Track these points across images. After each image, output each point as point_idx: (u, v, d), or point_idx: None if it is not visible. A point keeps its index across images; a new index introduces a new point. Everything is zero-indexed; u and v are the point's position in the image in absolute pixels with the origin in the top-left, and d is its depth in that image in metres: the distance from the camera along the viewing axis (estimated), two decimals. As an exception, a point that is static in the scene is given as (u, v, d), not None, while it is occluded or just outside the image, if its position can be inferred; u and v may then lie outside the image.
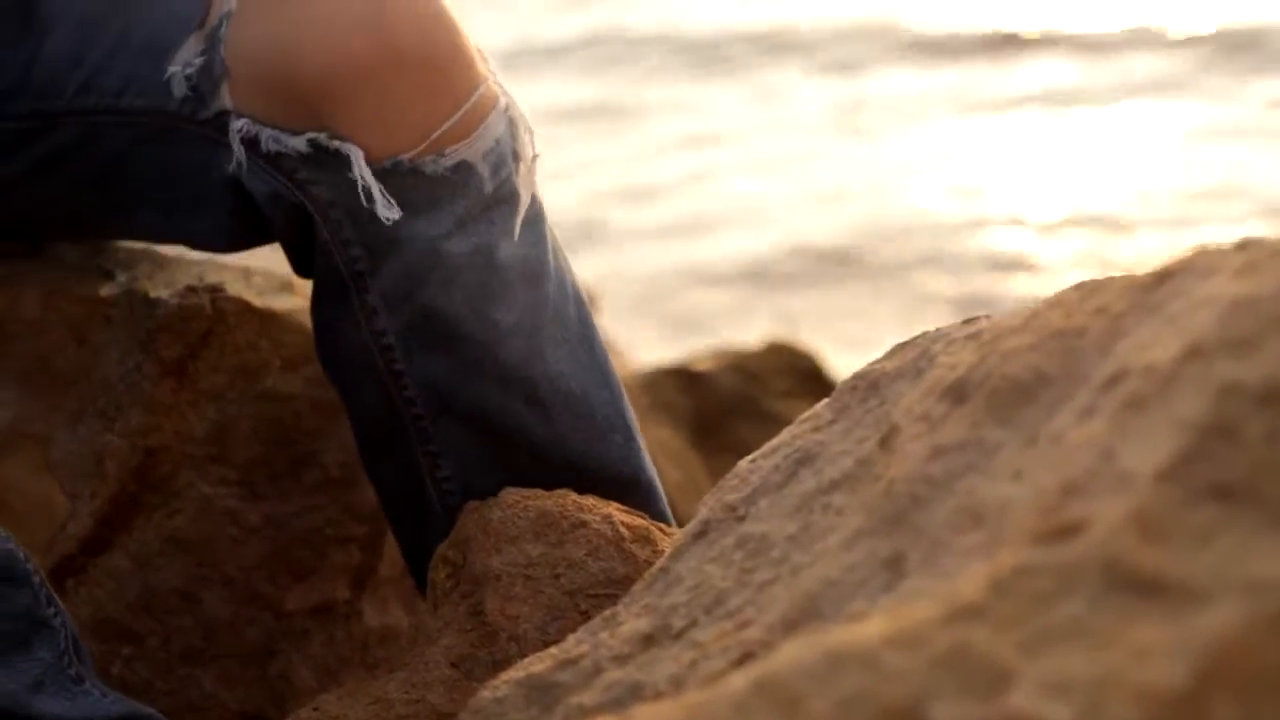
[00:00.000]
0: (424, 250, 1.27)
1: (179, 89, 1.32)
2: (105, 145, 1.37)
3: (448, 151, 1.27)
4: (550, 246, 1.35)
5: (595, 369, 1.36)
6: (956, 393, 0.86)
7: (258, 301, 1.50)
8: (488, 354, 1.30)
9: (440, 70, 1.27)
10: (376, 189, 1.26)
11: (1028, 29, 8.21)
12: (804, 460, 0.99)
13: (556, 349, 1.33)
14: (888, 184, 6.06)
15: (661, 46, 8.80)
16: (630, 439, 1.37)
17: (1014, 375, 0.83)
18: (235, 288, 1.50)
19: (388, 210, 1.26)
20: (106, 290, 1.48)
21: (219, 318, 1.48)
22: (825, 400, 1.04)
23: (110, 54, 1.35)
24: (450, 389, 1.31)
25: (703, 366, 3.48)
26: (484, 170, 1.28)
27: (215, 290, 1.49)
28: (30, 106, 1.39)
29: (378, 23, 1.26)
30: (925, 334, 0.99)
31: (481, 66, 1.31)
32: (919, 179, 6.20)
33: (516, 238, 1.30)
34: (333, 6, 1.27)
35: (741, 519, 0.99)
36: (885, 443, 0.91)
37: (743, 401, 3.38)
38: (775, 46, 8.51)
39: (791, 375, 3.62)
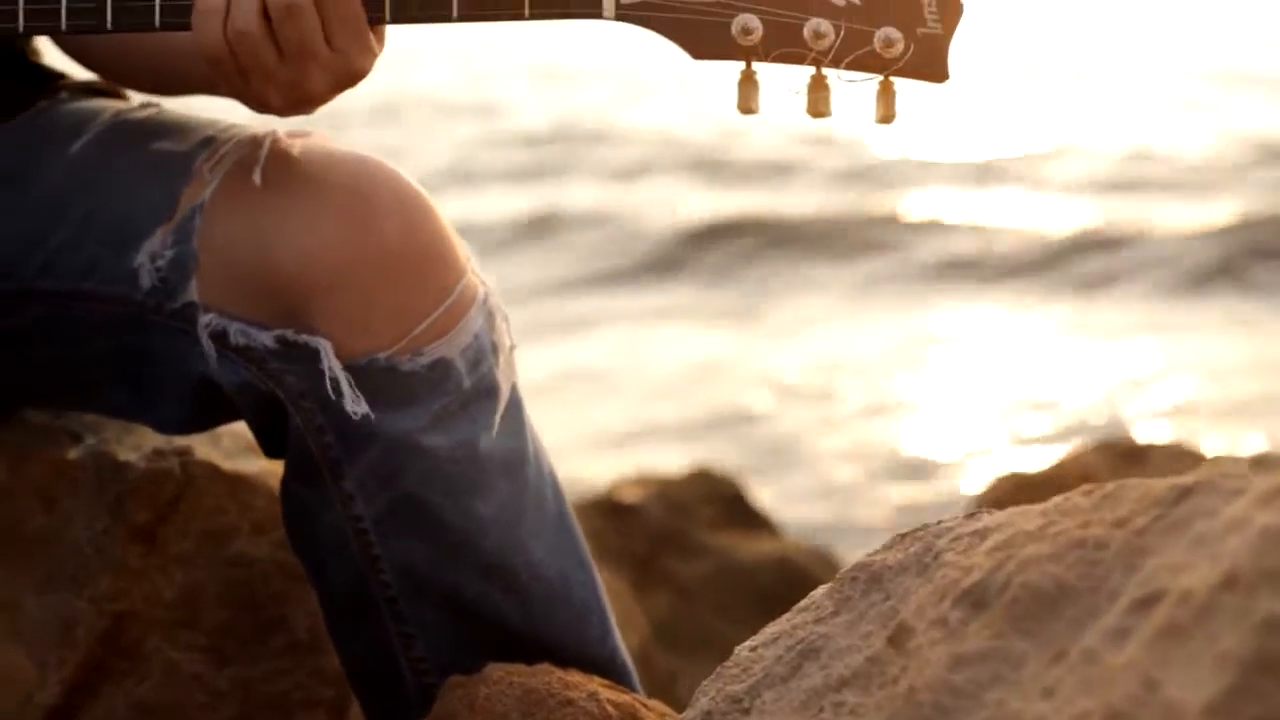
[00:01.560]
0: (401, 444, 1.27)
1: (147, 279, 1.30)
2: (67, 327, 1.35)
3: (426, 349, 1.27)
4: (529, 433, 1.35)
5: (572, 552, 1.36)
6: (974, 599, 0.88)
7: (226, 465, 1.50)
8: (468, 543, 1.30)
9: (421, 267, 1.27)
10: (345, 382, 1.25)
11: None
12: (807, 653, 1.00)
13: (535, 537, 1.33)
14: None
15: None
16: (604, 619, 1.37)
17: (1035, 585, 0.84)
18: (204, 450, 1.50)
19: (355, 405, 1.25)
20: (74, 454, 1.47)
21: (188, 481, 1.47)
22: (824, 588, 1.05)
23: (74, 237, 1.34)
24: (428, 575, 1.30)
25: (629, 498, 3.49)
26: (462, 366, 1.28)
27: (184, 453, 1.48)
28: None
29: (360, 217, 1.25)
30: (928, 527, 1.01)
31: (462, 258, 1.31)
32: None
33: (496, 430, 1.31)
34: (313, 200, 1.26)
35: (746, 711, 1.00)
36: (896, 642, 0.93)
37: (672, 534, 3.39)
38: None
39: (716, 504, 3.64)
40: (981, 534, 0.95)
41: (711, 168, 9.47)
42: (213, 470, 1.49)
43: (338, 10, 1.18)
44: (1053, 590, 0.84)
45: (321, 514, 1.32)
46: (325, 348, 1.25)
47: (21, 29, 1.23)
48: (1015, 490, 2.42)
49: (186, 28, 1.21)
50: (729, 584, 3.30)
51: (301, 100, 1.22)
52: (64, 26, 1.23)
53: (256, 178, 1.29)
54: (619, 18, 1.18)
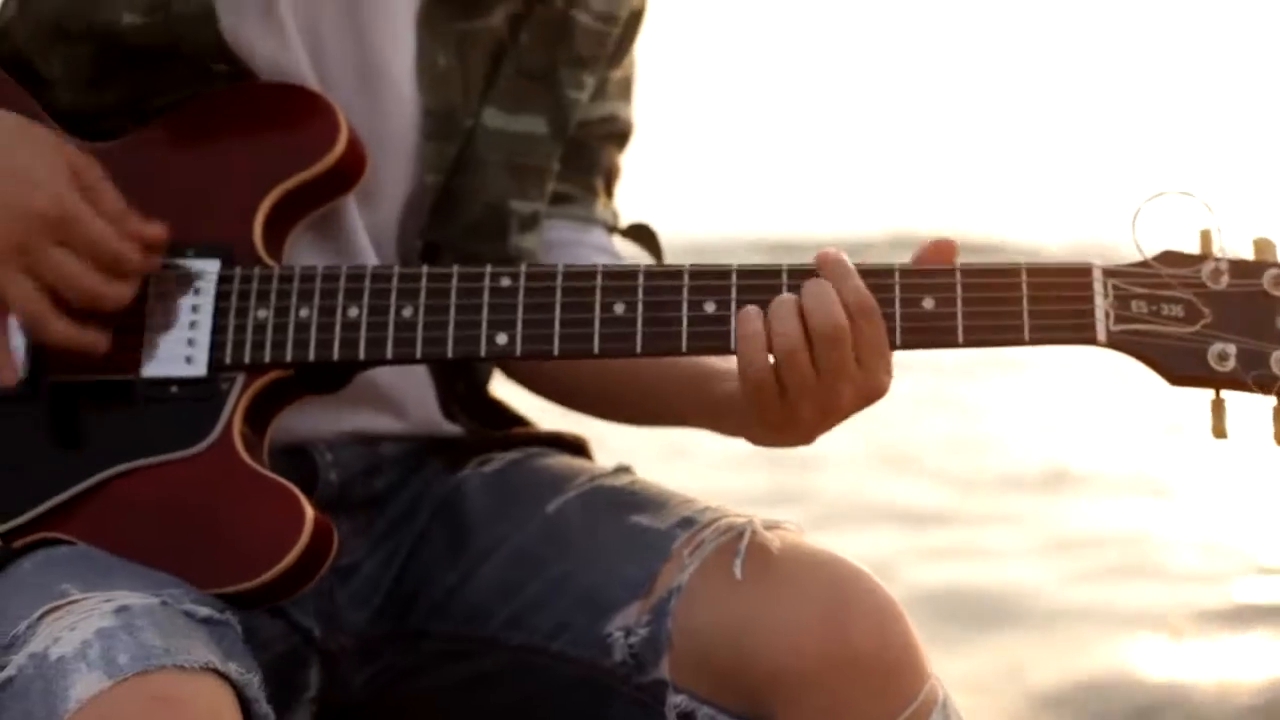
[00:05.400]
0: None
1: (619, 652, 1.34)
2: (529, 682, 1.40)
3: None
4: None
5: None
6: None
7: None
8: None
9: (891, 674, 1.29)
10: None
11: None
12: None
13: None
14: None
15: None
16: None
17: None
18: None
19: None
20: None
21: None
22: None
23: (545, 595, 1.39)
24: None
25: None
26: None
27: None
28: (454, 630, 1.44)
29: (838, 624, 1.29)
30: None
31: (926, 664, 1.33)
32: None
33: None
34: (792, 601, 1.30)
35: None
36: None
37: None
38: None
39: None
40: None
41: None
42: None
43: (868, 336, 1.25)
44: None
45: None
46: None
47: (557, 353, 1.31)
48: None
49: (710, 352, 1.30)
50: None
51: (831, 414, 1.29)
52: (596, 350, 1.30)
53: (738, 570, 1.32)
54: (1110, 344, 1.28)
